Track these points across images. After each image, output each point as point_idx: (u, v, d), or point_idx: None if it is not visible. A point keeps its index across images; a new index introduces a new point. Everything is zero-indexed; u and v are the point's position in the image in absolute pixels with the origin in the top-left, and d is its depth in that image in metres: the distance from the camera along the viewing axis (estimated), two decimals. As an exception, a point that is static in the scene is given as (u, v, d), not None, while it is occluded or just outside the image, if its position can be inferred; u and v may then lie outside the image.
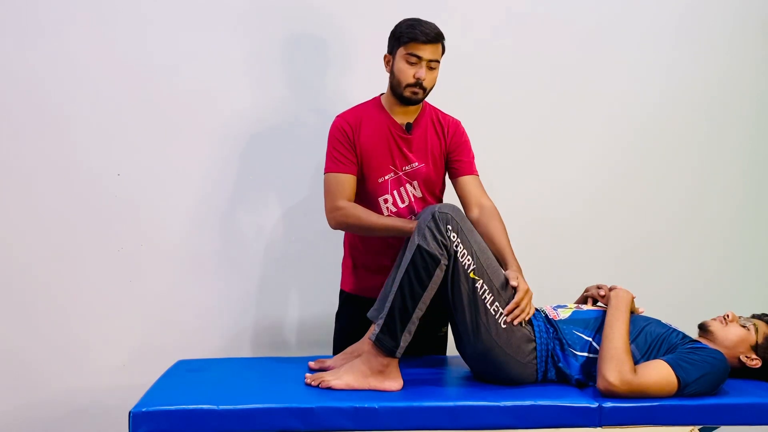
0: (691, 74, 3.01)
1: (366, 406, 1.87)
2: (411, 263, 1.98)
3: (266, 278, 2.84)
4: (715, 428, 2.02)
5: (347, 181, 2.29)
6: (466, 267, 2.01)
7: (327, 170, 2.32)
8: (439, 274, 1.98)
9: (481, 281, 2.02)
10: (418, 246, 1.98)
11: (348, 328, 2.44)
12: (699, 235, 3.05)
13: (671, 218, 3.04)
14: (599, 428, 1.90)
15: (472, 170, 2.40)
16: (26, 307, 2.72)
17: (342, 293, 2.50)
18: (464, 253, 2.00)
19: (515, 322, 2.04)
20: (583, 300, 2.29)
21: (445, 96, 2.85)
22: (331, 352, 2.49)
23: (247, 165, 2.80)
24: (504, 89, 2.92)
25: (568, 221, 2.98)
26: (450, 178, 2.43)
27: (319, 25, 2.79)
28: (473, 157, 2.42)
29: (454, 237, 1.99)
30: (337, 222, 2.28)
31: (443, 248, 1.98)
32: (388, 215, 2.32)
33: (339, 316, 2.51)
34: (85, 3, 2.69)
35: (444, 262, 1.98)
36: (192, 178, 2.78)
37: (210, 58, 2.76)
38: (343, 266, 2.52)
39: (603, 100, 2.97)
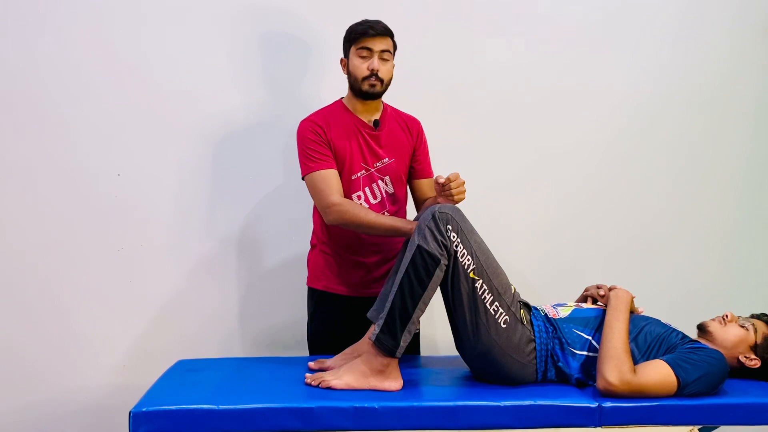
0: (691, 72, 3.01)
1: (366, 406, 1.88)
2: (411, 263, 1.98)
3: (267, 278, 2.84)
4: (715, 428, 2.03)
5: (333, 176, 2.31)
6: (466, 267, 2.01)
7: (308, 170, 2.32)
8: (439, 274, 1.98)
9: (480, 281, 2.02)
10: (418, 246, 1.98)
11: (325, 328, 2.45)
12: (698, 234, 3.05)
13: (671, 218, 3.04)
14: (599, 428, 1.90)
15: (431, 173, 2.50)
16: (27, 307, 2.72)
17: (313, 292, 2.48)
18: (464, 253, 2.00)
19: (446, 188, 2.13)
20: (583, 299, 2.29)
21: (441, 97, 2.87)
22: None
23: (250, 166, 2.80)
24: (500, 89, 2.91)
25: (568, 221, 2.98)
26: (408, 178, 2.49)
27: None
28: (429, 159, 2.53)
29: (454, 237, 1.99)
30: (334, 219, 2.28)
31: (443, 248, 1.98)
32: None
33: (314, 316, 2.49)
34: (85, 4, 2.69)
35: (444, 262, 1.98)
36: (192, 179, 2.78)
37: (206, 59, 2.77)
38: (309, 263, 2.50)
39: (601, 99, 2.97)
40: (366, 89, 2.31)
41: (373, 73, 2.29)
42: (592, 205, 2.99)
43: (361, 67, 2.30)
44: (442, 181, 2.15)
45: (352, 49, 2.32)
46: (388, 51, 2.32)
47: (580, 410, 1.90)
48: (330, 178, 2.30)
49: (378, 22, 2.31)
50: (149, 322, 2.78)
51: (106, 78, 2.71)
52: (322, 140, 2.32)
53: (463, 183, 2.18)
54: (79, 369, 2.75)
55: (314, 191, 2.32)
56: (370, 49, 2.29)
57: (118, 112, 2.73)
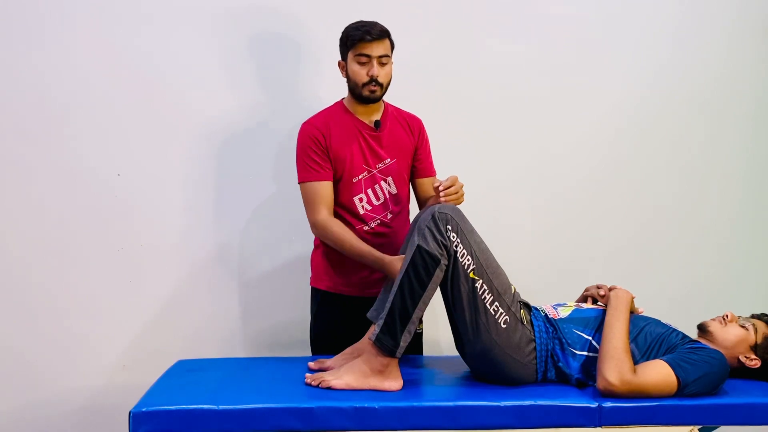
0: (691, 72, 3.01)
1: (366, 406, 1.88)
2: (411, 263, 1.98)
3: (268, 278, 2.84)
4: (715, 428, 2.03)
5: (324, 189, 2.33)
6: (465, 267, 2.01)
7: (302, 179, 2.35)
8: (439, 274, 1.98)
9: (480, 281, 2.02)
10: (418, 246, 1.98)
11: (328, 328, 2.45)
12: (698, 234, 3.05)
13: (671, 218, 3.04)
14: (599, 428, 1.90)
15: (433, 171, 2.50)
16: (26, 307, 2.72)
17: (317, 292, 2.48)
18: (464, 253, 2.00)
19: (442, 197, 2.11)
20: (583, 300, 2.29)
21: (441, 96, 2.87)
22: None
23: (251, 166, 2.80)
24: (500, 89, 2.91)
25: (568, 221, 2.97)
26: (410, 176, 2.49)
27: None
28: (432, 157, 2.53)
29: (453, 237, 1.99)
30: (318, 235, 2.36)
31: (443, 248, 1.98)
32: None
33: (317, 316, 2.49)
34: (87, 5, 2.69)
35: (444, 262, 1.98)
36: (192, 179, 2.78)
37: (207, 60, 2.77)
38: (313, 263, 2.50)
39: (601, 99, 2.97)
40: (366, 95, 2.32)
41: (373, 79, 2.29)
42: (592, 205, 2.99)
43: (361, 73, 2.29)
44: (438, 186, 2.14)
45: (350, 55, 2.31)
46: (387, 55, 2.30)
47: (580, 410, 1.90)
48: (321, 191, 2.32)
49: (374, 25, 2.29)
50: (149, 322, 2.78)
51: (105, 78, 2.71)
52: (321, 148, 2.33)
53: (462, 187, 2.17)
54: (79, 369, 2.75)
55: (305, 202, 2.36)
56: (368, 56, 2.28)
57: (118, 112, 2.73)
